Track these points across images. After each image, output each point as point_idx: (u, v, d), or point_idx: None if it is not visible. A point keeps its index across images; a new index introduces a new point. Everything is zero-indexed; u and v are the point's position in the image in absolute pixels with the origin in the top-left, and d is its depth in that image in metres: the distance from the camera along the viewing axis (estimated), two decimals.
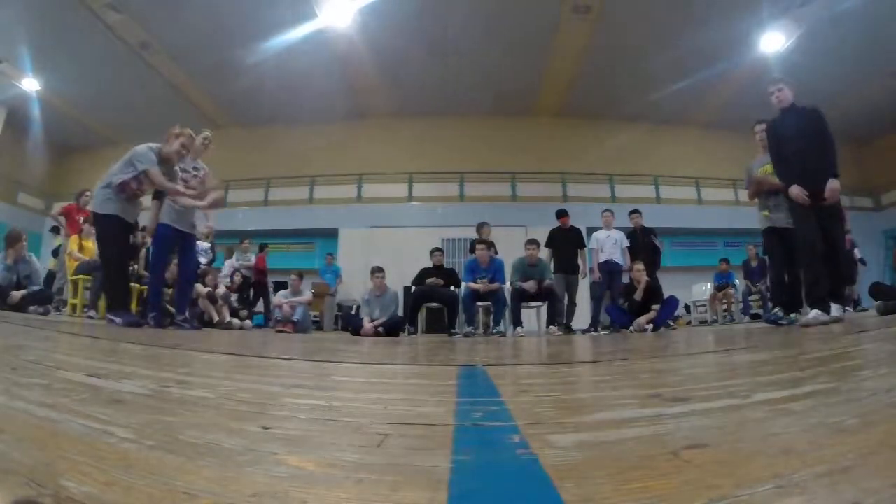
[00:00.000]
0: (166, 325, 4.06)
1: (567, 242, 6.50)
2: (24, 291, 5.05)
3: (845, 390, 0.82)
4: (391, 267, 6.45)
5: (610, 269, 6.50)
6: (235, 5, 8.61)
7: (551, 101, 11.84)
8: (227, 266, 8.08)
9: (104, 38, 9.27)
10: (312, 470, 0.45)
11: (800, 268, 3.76)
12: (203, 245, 7.25)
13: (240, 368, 1.51)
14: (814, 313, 3.25)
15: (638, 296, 5.66)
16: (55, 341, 2.03)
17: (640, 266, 5.82)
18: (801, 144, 3.56)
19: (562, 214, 6.67)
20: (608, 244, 6.60)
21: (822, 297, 3.38)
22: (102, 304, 5.17)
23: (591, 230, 7.32)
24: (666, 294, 5.84)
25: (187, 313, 4.42)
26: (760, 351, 1.89)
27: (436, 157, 11.88)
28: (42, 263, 6.44)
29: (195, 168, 4.34)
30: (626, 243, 6.63)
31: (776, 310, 4.01)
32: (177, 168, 4.11)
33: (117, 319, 3.61)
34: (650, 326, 5.43)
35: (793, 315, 3.98)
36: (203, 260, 7.21)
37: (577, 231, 6.66)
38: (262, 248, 9.29)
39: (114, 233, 3.89)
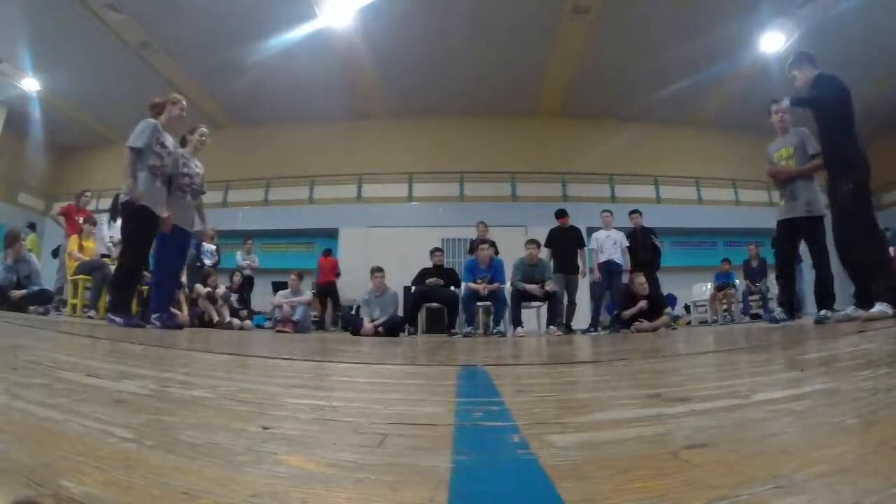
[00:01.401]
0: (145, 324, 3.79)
1: (567, 242, 6.50)
2: (24, 291, 5.06)
3: (845, 390, 0.82)
4: (391, 267, 6.45)
5: (610, 269, 6.51)
6: (235, 5, 8.61)
7: (551, 101, 11.84)
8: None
9: (104, 38, 9.27)
10: (312, 470, 0.44)
11: (820, 263, 3.61)
12: (209, 247, 7.27)
13: (240, 368, 1.51)
14: (823, 313, 3.30)
15: (629, 314, 5.51)
16: (55, 341, 2.03)
17: (641, 280, 5.62)
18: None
19: (561, 214, 6.68)
20: (608, 244, 6.60)
21: (833, 296, 3.41)
22: (102, 304, 5.16)
23: (591, 230, 7.32)
24: (665, 294, 5.80)
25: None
26: (760, 351, 1.89)
27: (436, 157, 11.88)
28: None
29: (188, 164, 4.29)
30: (625, 243, 6.64)
31: (777, 311, 3.90)
32: (184, 158, 4.07)
33: (118, 319, 3.57)
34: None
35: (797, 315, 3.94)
36: (208, 262, 7.22)
37: (576, 231, 6.66)
38: (326, 252, 9.09)
39: (140, 226, 3.67)
